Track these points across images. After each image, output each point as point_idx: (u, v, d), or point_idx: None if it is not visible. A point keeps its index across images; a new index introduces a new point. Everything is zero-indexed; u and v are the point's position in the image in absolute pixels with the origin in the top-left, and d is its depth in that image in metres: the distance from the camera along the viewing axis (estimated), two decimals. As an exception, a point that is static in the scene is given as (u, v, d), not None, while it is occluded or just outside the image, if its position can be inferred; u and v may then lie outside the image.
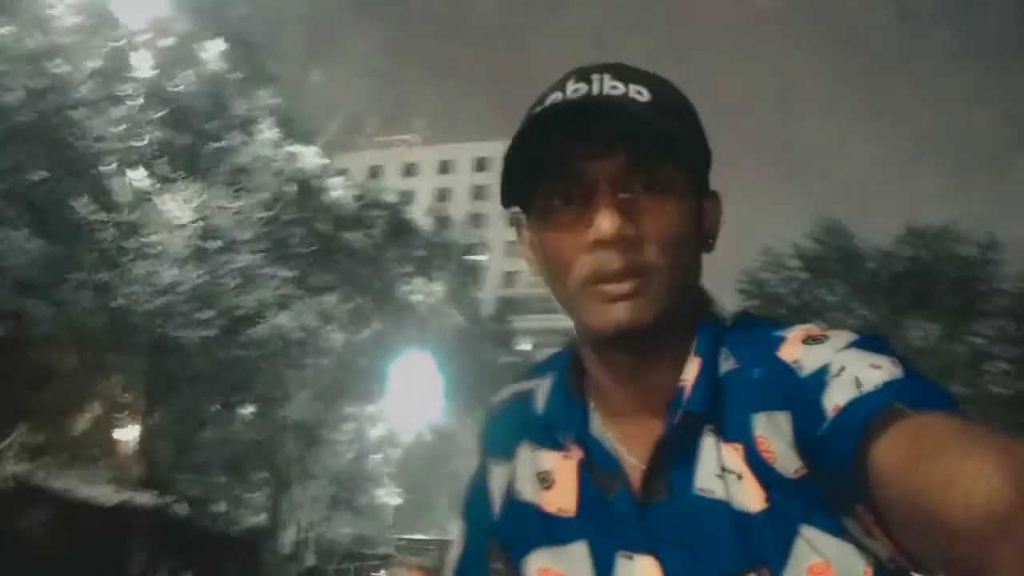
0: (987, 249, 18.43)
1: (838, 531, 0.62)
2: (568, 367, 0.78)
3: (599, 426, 0.74)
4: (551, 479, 0.75)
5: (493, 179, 49.35)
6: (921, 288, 18.10)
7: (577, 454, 0.74)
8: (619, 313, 0.66)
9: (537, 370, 0.85)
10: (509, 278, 44.81)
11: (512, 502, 0.78)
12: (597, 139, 0.66)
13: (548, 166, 0.68)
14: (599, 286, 0.67)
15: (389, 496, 19.82)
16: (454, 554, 0.84)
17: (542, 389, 0.81)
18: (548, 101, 0.69)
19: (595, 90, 0.67)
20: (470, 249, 24.97)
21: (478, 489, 0.83)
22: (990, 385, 17.55)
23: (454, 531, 0.87)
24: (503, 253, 44.08)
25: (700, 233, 0.72)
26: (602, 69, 0.69)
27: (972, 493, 0.44)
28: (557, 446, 0.76)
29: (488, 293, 34.54)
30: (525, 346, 30.56)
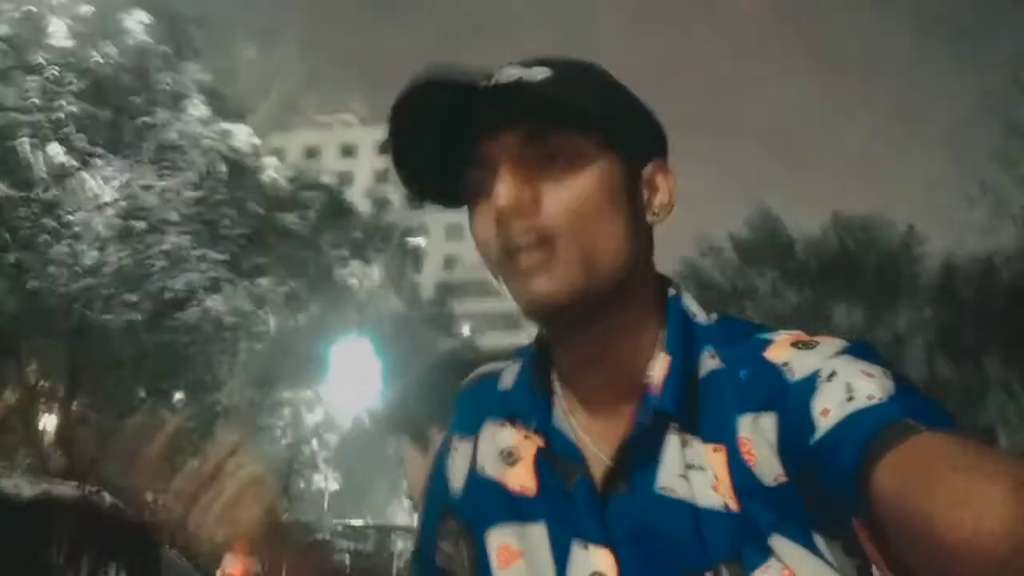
0: (907, 239, 19.31)
1: (808, 544, 0.61)
2: (534, 355, 0.77)
3: (562, 415, 0.74)
4: (516, 456, 0.75)
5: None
6: (846, 275, 18.83)
7: (537, 441, 0.74)
8: (533, 287, 0.66)
9: (516, 355, 0.85)
10: (449, 262, 44.61)
11: (476, 478, 0.78)
12: (494, 119, 0.67)
13: (458, 153, 0.69)
14: (511, 261, 0.67)
15: (326, 482, 19.60)
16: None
17: (510, 370, 0.82)
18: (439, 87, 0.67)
19: (492, 79, 0.66)
20: (409, 232, 24.64)
21: (435, 474, 0.85)
22: (908, 370, 18.48)
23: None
24: (443, 237, 43.82)
25: (631, 203, 0.69)
26: (509, 65, 0.68)
27: (982, 517, 0.45)
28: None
29: (427, 277, 34.26)
30: (465, 330, 30.51)
